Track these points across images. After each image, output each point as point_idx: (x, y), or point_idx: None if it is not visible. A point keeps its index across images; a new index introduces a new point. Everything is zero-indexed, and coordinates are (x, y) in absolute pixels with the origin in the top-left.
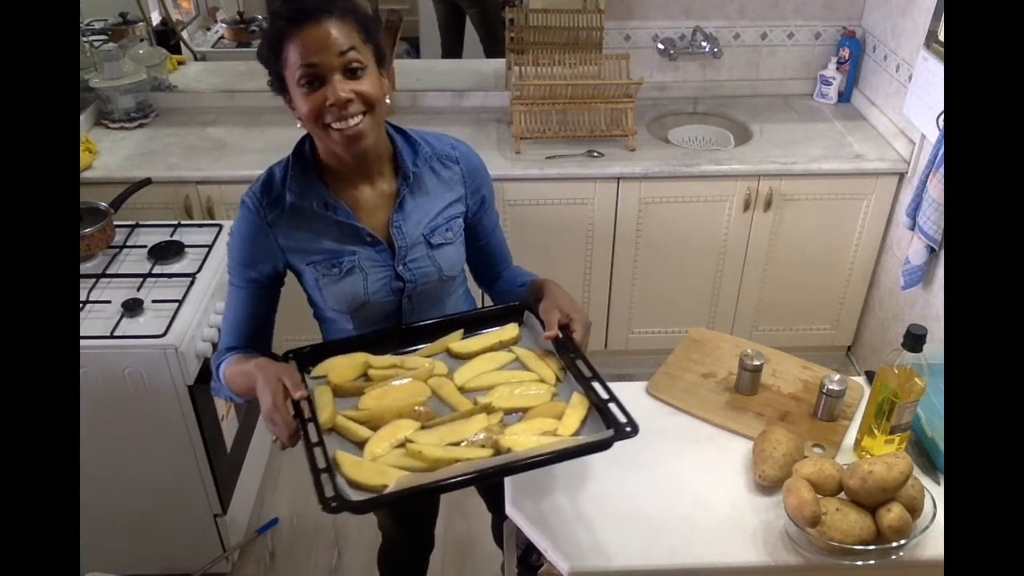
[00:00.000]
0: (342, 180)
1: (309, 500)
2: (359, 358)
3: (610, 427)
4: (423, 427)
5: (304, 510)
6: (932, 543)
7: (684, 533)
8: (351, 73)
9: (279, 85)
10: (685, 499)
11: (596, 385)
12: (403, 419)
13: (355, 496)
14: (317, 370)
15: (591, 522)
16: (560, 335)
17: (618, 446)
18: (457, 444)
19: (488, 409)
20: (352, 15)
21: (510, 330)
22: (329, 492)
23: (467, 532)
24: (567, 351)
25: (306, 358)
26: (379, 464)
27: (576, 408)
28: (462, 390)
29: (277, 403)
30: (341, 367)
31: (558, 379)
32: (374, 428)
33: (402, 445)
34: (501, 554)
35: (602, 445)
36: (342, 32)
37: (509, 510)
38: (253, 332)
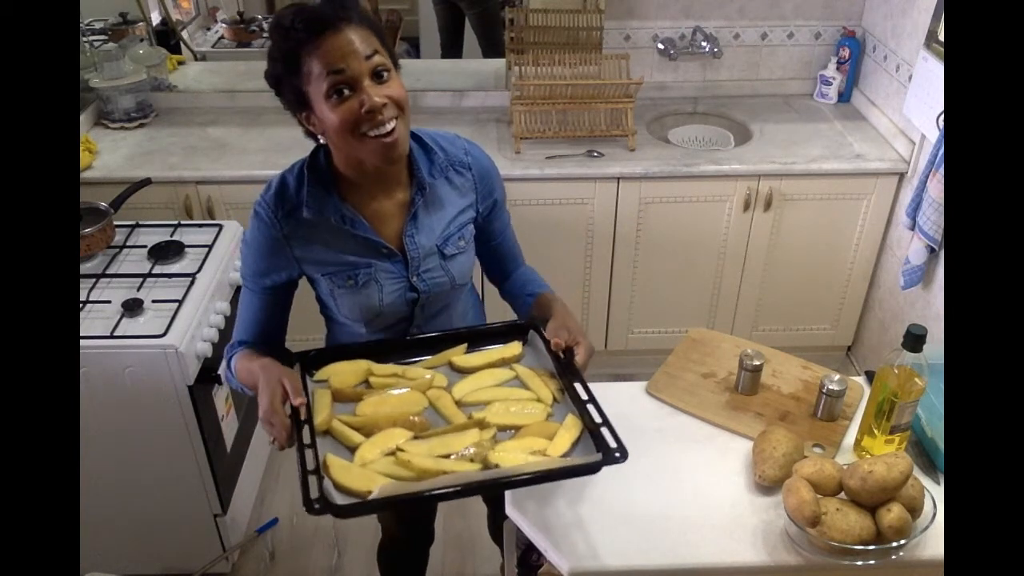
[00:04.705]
0: (358, 190)
1: None
2: (362, 365)
3: (600, 451)
4: (416, 437)
5: (304, 510)
6: (932, 543)
7: (684, 533)
8: (378, 77)
9: (297, 101)
10: (685, 499)
11: (591, 408)
12: (397, 428)
13: (341, 500)
14: (320, 374)
15: (591, 522)
16: (563, 355)
17: None
18: (447, 456)
19: (482, 424)
20: (366, 20)
21: (513, 347)
22: (315, 494)
23: (467, 531)
24: (567, 372)
25: (311, 361)
26: (367, 470)
27: (569, 429)
28: (459, 404)
29: (275, 406)
30: (343, 372)
31: (555, 399)
32: (368, 435)
33: (393, 453)
34: (501, 553)
35: (589, 469)
36: (362, 36)
37: (509, 510)
38: (266, 331)
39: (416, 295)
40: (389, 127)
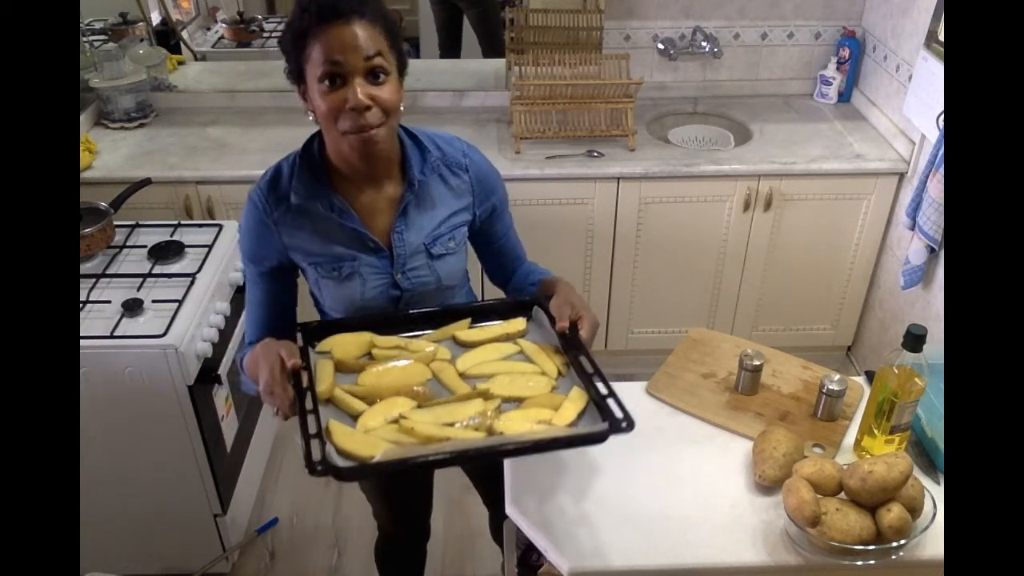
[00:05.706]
0: (349, 181)
1: (309, 500)
2: (365, 337)
3: (606, 421)
4: (419, 407)
5: (304, 510)
6: (932, 543)
7: (684, 533)
8: (373, 77)
9: (297, 74)
10: (685, 499)
11: (596, 381)
12: (400, 396)
13: (343, 465)
14: (322, 345)
15: (591, 522)
16: (567, 332)
17: (618, 446)
18: (451, 425)
19: (486, 395)
20: (381, 19)
21: (518, 323)
22: (317, 456)
23: (467, 531)
24: (572, 347)
25: (313, 333)
26: (371, 436)
27: (574, 401)
28: (463, 376)
29: (275, 375)
30: (346, 343)
31: (560, 374)
32: (371, 404)
33: (396, 421)
34: (501, 553)
35: (596, 438)
36: (370, 35)
37: (509, 510)
38: (273, 323)
39: (399, 293)
40: (368, 131)
